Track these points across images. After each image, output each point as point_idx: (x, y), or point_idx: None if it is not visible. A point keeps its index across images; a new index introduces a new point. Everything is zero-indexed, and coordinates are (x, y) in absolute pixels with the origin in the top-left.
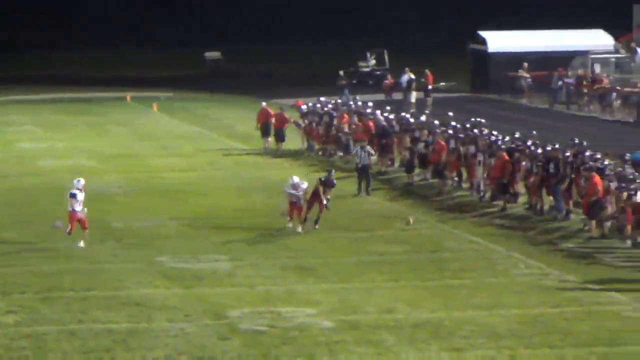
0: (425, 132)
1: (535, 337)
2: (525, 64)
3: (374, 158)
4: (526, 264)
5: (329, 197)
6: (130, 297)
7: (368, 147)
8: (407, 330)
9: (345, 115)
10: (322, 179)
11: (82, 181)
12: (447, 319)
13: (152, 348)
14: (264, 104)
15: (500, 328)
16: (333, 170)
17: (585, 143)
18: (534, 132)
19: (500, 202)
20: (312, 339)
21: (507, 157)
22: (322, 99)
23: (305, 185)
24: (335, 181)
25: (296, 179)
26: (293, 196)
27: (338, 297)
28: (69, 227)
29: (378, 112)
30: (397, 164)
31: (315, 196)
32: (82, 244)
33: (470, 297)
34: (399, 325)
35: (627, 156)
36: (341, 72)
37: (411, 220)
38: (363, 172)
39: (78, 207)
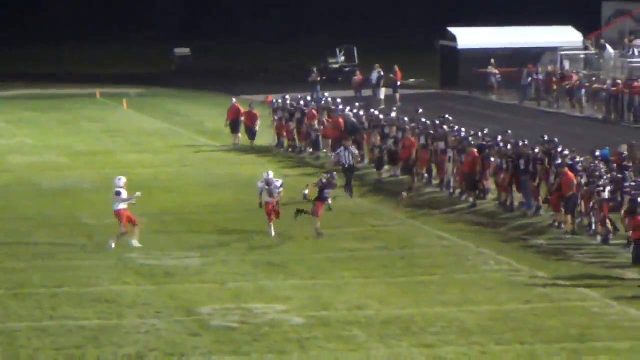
0: (394, 128)
1: (506, 334)
2: (493, 61)
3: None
4: (496, 260)
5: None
6: (100, 293)
7: (351, 148)
8: (378, 326)
9: (314, 112)
10: (325, 181)
11: (124, 179)
12: (418, 315)
13: (123, 345)
14: (234, 100)
15: (471, 324)
16: (334, 172)
17: (556, 140)
18: (509, 132)
19: (470, 199)
20: (283, 335)
21: (477, 154)
22: (287, 97)
23: (279, 182)
24: (336, 183)
25: (271, 174)
26: (265, 194)
27: (308, 293)
28: (122, 229)
29: (348, 108)
30: (366, 161)
31: (319, 198)
32: (135, 242)
33: (441, 293)
34: (370, 321)
35: (597, 153)
36: (314, 69)
37: (405, 195)
38: (350, 173)
39: (124, 205)
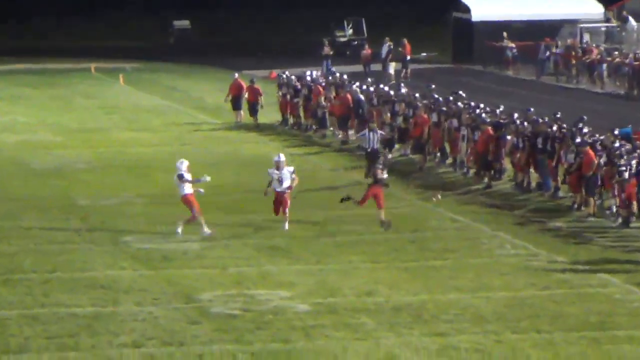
0: (403, 105)
1: (523, 321)
2: (505, 34)
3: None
4: (512, 244)
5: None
6: (95, 279)
7: (379, 131)
8: (388, 313)
9: (320, 88)
10: (377, 180)
11: (186, 162)
12: (430, 302)
13: (119, 333)
14: (236, 75)
15: (486, 311)
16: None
17: (585, 117)
18: (531, 109)
19: (485, 179)
20: (287, 323)
21: (491, 132)
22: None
23: (291, 169)
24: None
25: (282, 157)
26: (276, 182)
27: (314, 279)
28: (192, 214)
29: (356, 84)
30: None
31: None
32: (206, 230)
33: (454, 278)
34: (379, 308)
35: (616, 132)
36: (326, 41)
37: (439, 196)
38: (373, 157)
39: (190, 189)
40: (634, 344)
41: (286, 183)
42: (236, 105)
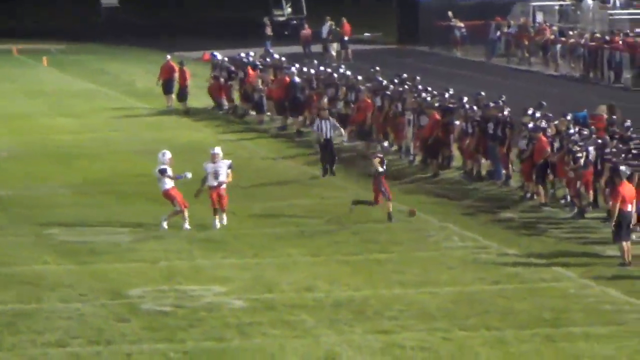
0: (344, 89)
1: (472, 318)
2: (450, 13)
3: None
4: (461, 236)
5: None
6: (17, 274)
7: (332, 120)
8: (328, 310)
9: (251, 71)
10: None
11: (168, 153)
12: (373, 298)
13: (43, 331)
14: (168, 57)
15: (432, 308)
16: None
17: (544, 103)
18: (482, 94)
19: (431, 167)
20: (222, 321)
21: (437, 117)
22: (215, 53)
23: (228, 162)
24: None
25: (218, 150)
26: (211, 177)
27: (250, 273)
28: (177, 208)
29: (296, 66)
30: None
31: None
32: (187, 225)
33: (399, 273)
34: (319, 304)
35: (569, 117)
36: (266, 20)
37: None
38: (327, 149)
39: (171, 184)
40: (589, 342)
41: (222, 177)
42: (168, 89)
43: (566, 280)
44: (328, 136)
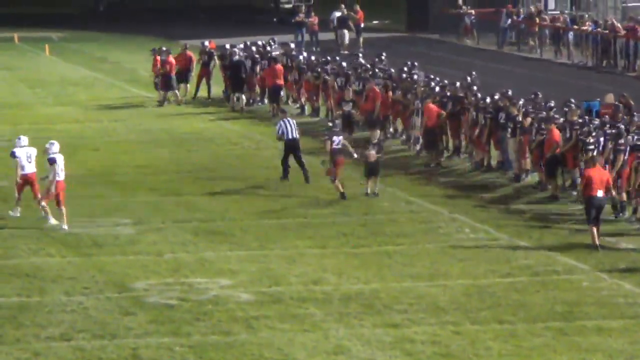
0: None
1: (483, 311)
2: (460, 0)
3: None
4: (472, 228)
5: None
6: (20, 267)
7: (290, 118)
8: (337, 303)
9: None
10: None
11: (56, 144)
12: (382, 291)
13: (46, 325)
14: (187, 45)
15: (443, 301)
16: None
17: (539, 94)
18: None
19: (433, 157)
20: (229, 314)
21: (435, 107)
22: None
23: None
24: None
25: (54, 145)
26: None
27: (257, 266)
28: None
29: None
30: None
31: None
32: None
33: (408, 265)
34: (327, 298)
35: (573, 106)
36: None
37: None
38: (292, 149)
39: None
40: (602, 335)
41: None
42: (183, 78)
43: (579, 273)
44: (295, 135)
